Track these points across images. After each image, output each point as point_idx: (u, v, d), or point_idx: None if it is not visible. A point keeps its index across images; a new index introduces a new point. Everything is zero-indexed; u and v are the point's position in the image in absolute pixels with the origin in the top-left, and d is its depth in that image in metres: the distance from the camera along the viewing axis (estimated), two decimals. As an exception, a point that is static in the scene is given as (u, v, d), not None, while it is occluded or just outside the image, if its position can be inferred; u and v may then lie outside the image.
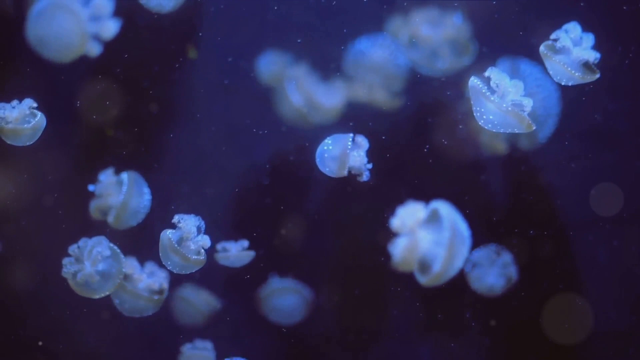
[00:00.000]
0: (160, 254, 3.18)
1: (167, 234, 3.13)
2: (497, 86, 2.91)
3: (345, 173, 3.16)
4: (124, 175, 3.44)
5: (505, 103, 2.91)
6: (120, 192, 3.40)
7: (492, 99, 2.90)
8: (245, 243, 3.59)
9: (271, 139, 3.73)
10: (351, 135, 3.14)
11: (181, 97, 3.77)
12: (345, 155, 3.11)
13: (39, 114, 3.14)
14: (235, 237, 3.56)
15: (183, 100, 3.78)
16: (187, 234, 3.15)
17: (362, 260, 3.81)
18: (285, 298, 3.81)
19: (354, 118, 3.67)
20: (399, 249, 2.46)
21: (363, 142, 3.17)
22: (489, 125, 2.97)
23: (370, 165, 3.14)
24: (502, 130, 2.96)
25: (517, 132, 2.95)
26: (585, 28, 3.00)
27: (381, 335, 3.87)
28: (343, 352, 3.91)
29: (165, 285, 3.43)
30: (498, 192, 3.68)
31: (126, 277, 3.33)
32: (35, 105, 3.13)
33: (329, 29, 3.65)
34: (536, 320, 3.63)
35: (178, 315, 3.83)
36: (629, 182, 3.54)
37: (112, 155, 3.68)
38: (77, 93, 3.63)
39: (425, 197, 3.51)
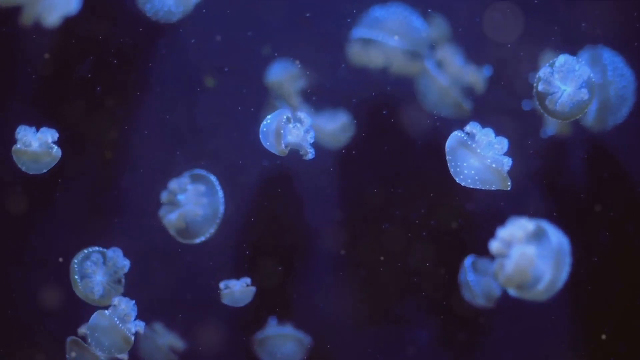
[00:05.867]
0: (95, 334, 3.05)
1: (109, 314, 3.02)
2: (482, 140, 2.84)
3: (283, 148, 3.00)
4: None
5: (489, 158, 2.84)
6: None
7: (477, 150, 2.82)
8: (248, 280, 3.41)
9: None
10: (288, 109, 3.04)
11: (181, 80, 3.73)
12: (280, 129, 2.98)
13: (55, 147, 3.08)
14: (233, 220, 3.53)
15: (183, 84, 3.73)
16: (128, 317, 3.05)
17: (362, 246, 3.76)
18: (283, 346, 3.68)
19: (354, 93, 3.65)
20: (511, 264, 2.40)
21: (305, 118, 3.03)
22: (469, 181, 2.89)
23: (312, 140, 3.02)
24: (479, 187, 2.89)
25: (494, 188, 2.90)
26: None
27: (381, 319, 3.82)
28: (342, 334, 3.81)
29: (126, 357, 3.23)
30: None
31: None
32: (57, 136, 3.08)
33: (338, 5, 3.65)
34: (536, 312, 3.67)
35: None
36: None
37: (112, 138, 3.70)
38: (79, 69, 3.62)
39: (427, 185, 3.54)
